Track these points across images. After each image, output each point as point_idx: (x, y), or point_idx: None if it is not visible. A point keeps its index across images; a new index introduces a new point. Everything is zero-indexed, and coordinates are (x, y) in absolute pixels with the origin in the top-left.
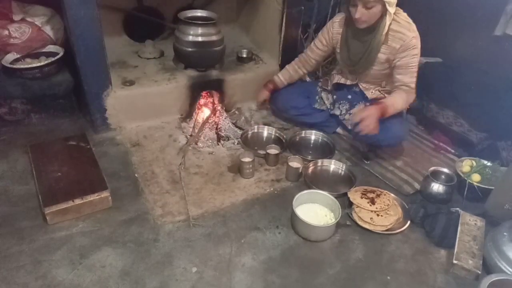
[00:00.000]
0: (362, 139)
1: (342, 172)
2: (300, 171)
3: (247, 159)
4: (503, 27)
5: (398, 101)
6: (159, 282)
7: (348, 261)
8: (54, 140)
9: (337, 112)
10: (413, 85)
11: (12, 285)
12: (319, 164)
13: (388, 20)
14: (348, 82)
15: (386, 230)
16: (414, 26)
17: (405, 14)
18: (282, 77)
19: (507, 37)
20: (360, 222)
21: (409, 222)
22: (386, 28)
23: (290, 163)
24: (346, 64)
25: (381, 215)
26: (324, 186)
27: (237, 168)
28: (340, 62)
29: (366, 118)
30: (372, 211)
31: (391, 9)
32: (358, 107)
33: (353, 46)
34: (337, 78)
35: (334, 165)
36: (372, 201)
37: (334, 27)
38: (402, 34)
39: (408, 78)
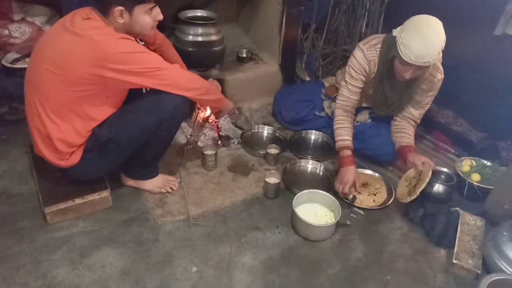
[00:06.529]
0: (360, 151)
1: (321, 173)
2: (280, 186)
3: (209, 152)
4: (503, 27)
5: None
6: (159, 282)
7: (348, 261)
8: None
9: None
10: (419, 120)
11: (12, 284)
12: (297, 164)
13: (430, 69)
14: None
15: (382, 204)
16: (441, 67)
17: None
18: (349, 137)
19: (507, 37)
20: (368, 207)
21: (395, 192)
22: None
23: (267, 179)
24: (375, 106)
25: (378, 193)
26: (302, 187)
27: (236, 168)
28: (372, 101)
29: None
30: (369, 194)
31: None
32: (363, 114)
33: (389, 93)
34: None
35: (311, 165)
36: (365, 187)
37: (371, 66)
38: (433, 77)
39: (418, 113)
